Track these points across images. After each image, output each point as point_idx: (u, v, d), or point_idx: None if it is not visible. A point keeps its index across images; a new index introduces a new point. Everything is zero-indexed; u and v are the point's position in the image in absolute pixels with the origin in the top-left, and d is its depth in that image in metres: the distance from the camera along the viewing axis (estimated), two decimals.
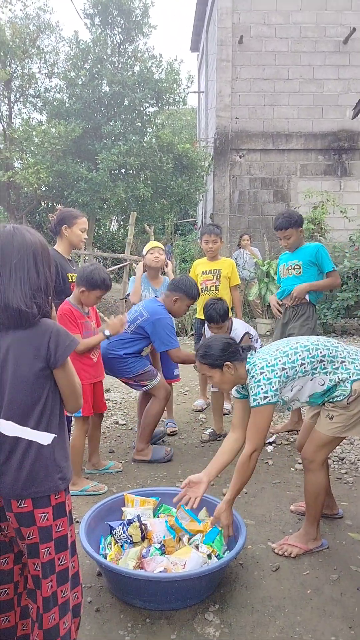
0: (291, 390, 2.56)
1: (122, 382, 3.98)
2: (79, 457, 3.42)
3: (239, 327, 4.15)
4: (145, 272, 4.64)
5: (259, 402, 2.47)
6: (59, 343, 1.65)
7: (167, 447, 4.02)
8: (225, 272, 4.88)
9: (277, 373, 2.49)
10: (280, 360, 2.54)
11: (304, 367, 2.53)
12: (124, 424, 4.74)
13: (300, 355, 2.55)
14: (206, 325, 4.22)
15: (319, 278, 4.23)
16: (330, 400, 2.57)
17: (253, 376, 2.53)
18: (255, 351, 2.68)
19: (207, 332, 4.25)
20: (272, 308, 4.41)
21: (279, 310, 4.36)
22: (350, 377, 2.53)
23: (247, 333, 4.08)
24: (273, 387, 2.47)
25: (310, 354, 2.56)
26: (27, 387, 1.64)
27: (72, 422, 3.58)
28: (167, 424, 4.62)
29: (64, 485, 1.71)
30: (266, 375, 2.49)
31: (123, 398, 5.55)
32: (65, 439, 1.76)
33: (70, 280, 3.57)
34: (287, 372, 2.51)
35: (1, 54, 11.16)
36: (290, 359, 2.54)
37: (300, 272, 4.20)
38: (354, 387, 2.51)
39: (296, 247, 4.27)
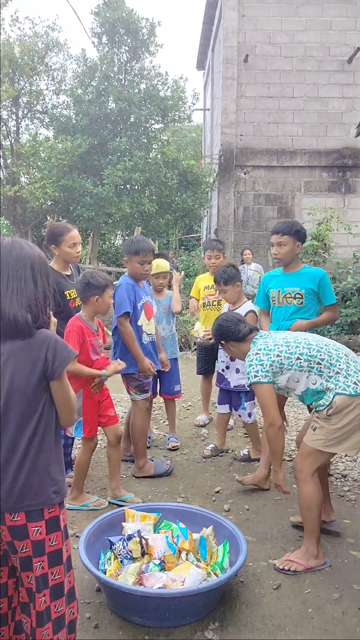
0: (287, 380, 2.67)
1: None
2: (83, 472, 3.39)
3: (244, 306, 4.09)
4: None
5: (250, 380, 2.70)
6: (56, 354, 1.65)
7: (167, 461, 4.01)
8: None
9: (270, 357, 2.66)
10: (279, 348, 2.68)
11: (300, 362, 2.62)
12: None
13: (299, 350, 2.65)
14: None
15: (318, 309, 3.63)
16: (316, 408, 2.63)
17: (249, 355, 2.74)
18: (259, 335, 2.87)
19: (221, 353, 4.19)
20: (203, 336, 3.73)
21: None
22: (335, 389, 2.56)
23: (251, 311, 4.00)
24: (264, 368, 2.64)
25: (310, 352, 2.63)
26: (23, 399, 1.64)
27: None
28: (169, 438, 4.59)
29: (58, 499, 1.70)
30: (259, 357, 2.68)
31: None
32: (60, 453, 1.75)
33: (68, 297, 3.52)
34: (281, 360, 2.65)
35: (1, 69, 11.33)
36: (289, 349, 2.66)
37: (302, 302, 3.51)
38: (335, 400, 2.54)
39: (287, 261, 3.58)
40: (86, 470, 3.44)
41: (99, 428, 3.44)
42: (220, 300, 4.80)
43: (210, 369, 5.01)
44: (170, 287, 4.79)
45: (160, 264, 4.38)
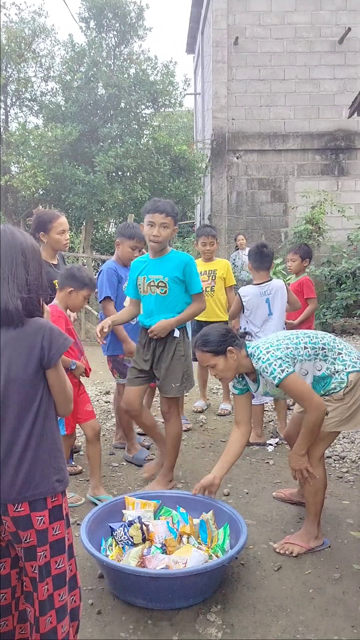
0: (300, 374, 2.57)
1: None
2: None
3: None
4: None
5: (280, 378, 2.48)
6: (52, 342, 1.63)
7: (151, 454, 3.98)
8: (221, 272, 4.86)
9: (282, 350, 2.55)
10: (283, 342, 2.61)
11: (307, 351, 2.59)
12: None
13: (302, 340, 2.62)
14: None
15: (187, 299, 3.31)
16: (327, 393, 2.60)
17: (260, 357, 2.56)
18: (251, 338, 2.75)
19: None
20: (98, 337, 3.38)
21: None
22: (346, 368, 2.59)
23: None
24: (284, 360, 2.51)
25: (312, 340, 2.63)
26: (21, 389, 1.62)
27: None
28: None
29: (61, 487, 1.70)
30: (273, 353, 2.54)
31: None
32: (60, 442, 1.74)
33: (56, 287, 3.52)
34: (292, 352, 2.56)
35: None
36: (292, 341, 2.61)
37: (165, 291, 3.24)
38: (350, 378, 2.56)
39: (164, 246, 3.29)
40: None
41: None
42: (214, 286, 4.81)
43: None
44: None
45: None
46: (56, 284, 3.50)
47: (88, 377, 3.33)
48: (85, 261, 11.24)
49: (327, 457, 3.93)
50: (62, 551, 1.71)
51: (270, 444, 4.22)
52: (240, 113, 11.83)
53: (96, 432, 3.26)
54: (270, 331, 3.89)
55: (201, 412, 5.10)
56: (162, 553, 2.46)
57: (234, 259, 9.82)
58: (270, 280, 4.19)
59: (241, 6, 11.62)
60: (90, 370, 3.33)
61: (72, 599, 1.77)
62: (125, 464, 3.89)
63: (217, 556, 2.46)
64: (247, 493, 3.38)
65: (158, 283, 3.24)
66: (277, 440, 4.28)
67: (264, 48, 11.67)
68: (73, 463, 3.75)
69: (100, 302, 3.86)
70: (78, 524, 2.90)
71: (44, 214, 3.58)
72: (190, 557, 2.36)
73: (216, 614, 2.25)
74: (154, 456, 3.86)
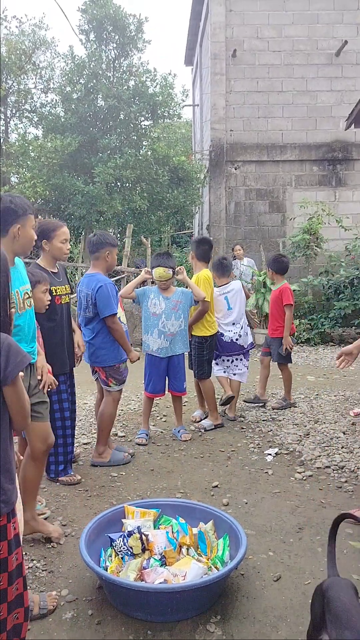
0: None
1: (97, 370, 4.08)
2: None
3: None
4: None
5: None
6: (9, 359, 1.58)
7: (126, 453, 4.12)
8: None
9: None
10: None
11: None
12: (123, 436, 4.74)
13: None
14: None
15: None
16: None
17: None
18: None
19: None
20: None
21: None
22: None
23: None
24: None
25: None
26: None
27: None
28: (179, 431, 4.68)
29: (6, 509, 1.65)
30: None
31: (122, 410, 5.54)
32: (11, 461, 1.69)
33: (54, 293, 3.52)
34: None
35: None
36: None
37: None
38: None
39: None
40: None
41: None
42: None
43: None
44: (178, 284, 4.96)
45: (162, 274, 4.47)
46: (54, 291, 3.51)
47: None
48: (84, 271, 11.27)
49: (326, 466, 3.94)
50: (4, 570, 1.67)
51: (269, 454, 4.22)
52: (239, 124, 11.92)
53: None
54: (230, 320, 5.10)
55: (199, 421, 5.10)
56: (162, 565, 2.46)
57: (232, 269, 9.85)
58: (229, 283, 5.18)
59: (239, 19, 11.75)
60: None
61: (15, 616, 1.76)
62: (124, 473, 3.89)
63: (216, 568, 2.45)
64: (247, 503, 3.38)
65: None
66: (276, 450, 4.29)
67: (262, 60, 11.79)
68: (72, 473, 3.75)
69: (107, 317, 3.88)
70: (72, 536, 2.91)
71: (47, 223, 3.63)
72: (189, 570, 2.36)
73: (216, 624, 2.25)
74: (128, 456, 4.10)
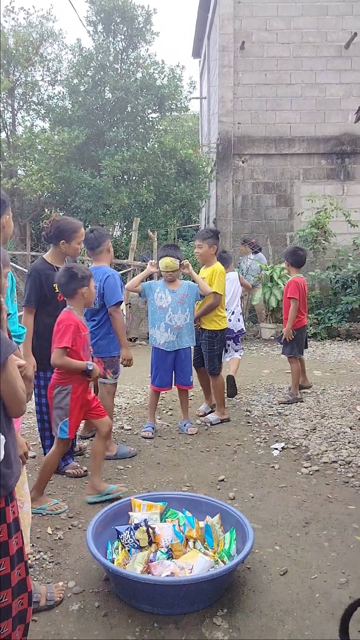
0: None
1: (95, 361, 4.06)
2: (49, 475, 3.24)
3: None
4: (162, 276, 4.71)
5: None
6: None
7: (132, 448, 4.17)
8: (207, 281, 4.73)
9: None
10: None
11: None
12: (130, 429, 4.74)
13: None
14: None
15: None
16: None
17: None
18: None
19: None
20: None
21: None
22: None
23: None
24: None
25: None
26: None
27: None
28: (185, 424, 4.69)
29: (4, 492, 1.66)
30: None
31: (128, 403, 5.55)
32: (8, 445, 1.71)
33: (56, 290, 3.51)
34: None
35: (3, 61, 11.25)
36: None
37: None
38: None
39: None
40: (51, 473, 3.28)
41: None
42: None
43: (201, 360, 4.98)
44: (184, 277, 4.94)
45: (168, 264, 4.45)
46: (56, 288, 3.49)
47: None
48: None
49: (333, 461, 3.93)
50: (5, 554, 1.68)
51: (276, 449, 4.22)
52: (246, 117, 11.85)
53: (110, 428, 3.41)
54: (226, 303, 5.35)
55: (203, 415, 5.09)
56: (168, 558, 2.46)
57: (240, 263, 9.85)
58: (227, 273, 5.33)
59: (247, 11, 11.65)
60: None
61: (20, 602, 1.76)
62: (130, 466, 3.89)
63: (223, 562, 2.46)
64: (253, 497, 3.38)
65: None
66: (282, 444, 4.28)
67: (270, 52, 11.70)
68: (78, 465, 3.76)
69: (112, 306, 3.93)
70: (79, 528, 2.91)
71: (68, 224, 3.60)
72: (196, 563, 2.36)
73: (222, 617, 2.25)
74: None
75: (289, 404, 5.42)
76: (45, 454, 3.69)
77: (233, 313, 5.77)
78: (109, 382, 4.09)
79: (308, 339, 9.38)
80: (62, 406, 3.16)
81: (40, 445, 3.85)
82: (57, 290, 3.48)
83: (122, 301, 4.00)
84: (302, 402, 5.48)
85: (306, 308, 5.79)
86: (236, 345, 5.89)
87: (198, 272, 4.94)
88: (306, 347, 5.93)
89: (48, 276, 3.52)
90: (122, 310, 4.18)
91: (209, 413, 5.09)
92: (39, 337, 3.48)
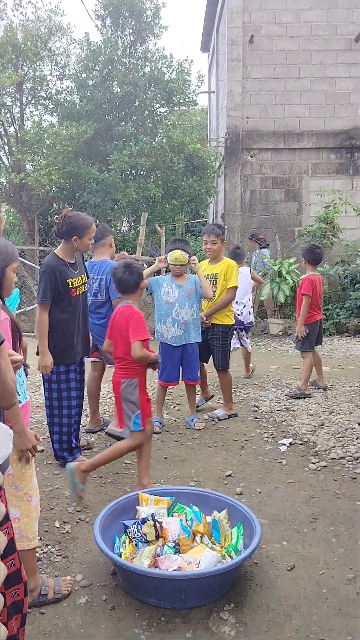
0: None
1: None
2: (106, 461, 3.26)
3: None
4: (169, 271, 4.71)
5: None
6: None
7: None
8: (222, 276, 4.74)
9: None
10: None
11: None
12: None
13: None
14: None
15: None
16: None
17: None
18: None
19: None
20: None
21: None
22: None
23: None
24: None
25: None
26: None
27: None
28: (192, 419, 4.69)
29: None
30: None
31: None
32: None
33: (70, 286, 3.53)
34: None
35: (4, 55, 11.22)
36: None
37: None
38: None
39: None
40: (110, 461, 3.30)
41: None
42: (215, 291, 4.72)
43: (206, 353, 4.95)
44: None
45: (178, 257, 4.43)
46: (70, 283, 3.53)
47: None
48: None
49: (341, 457, 3.92)
50: None
51: (283, 444, 4.21)
52: (255, 111, 11.78)
53: (152, 427, 3.47)
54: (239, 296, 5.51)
55: (200, 407, 5.10)
56: (175, 552, 2.46)
57: (248, 258, 9.82)
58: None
59: (256, 4, 11.57)
60: None
61: (16, 592, 1.76)
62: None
63: (230, 556, 2.46)
64: (260, 492, 3.38)
65: None
66: (290, 440, 4.27)
67: (279, 46, 11.61)
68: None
69: (117, 298, 3.92)
70: (87, 522, 2.93)
71: (80, 220, 3.60)
72: (203, 558, 2.36)
73: (229, 612, 2.26)
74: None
75: (296, 398, 5.41)
76: (53, 447, 3.71)
77: (245, 306, 6.06)
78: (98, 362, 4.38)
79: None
80: (133, 400, 3.19)
81: (49, 440, 3.86)
82: (71, 286, 3.50)
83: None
84: (310, 397, 5.47)
85: (320, 305, 5.74)
86: (245, 335, 6.20)
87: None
88: (320, 343, 5.86)
89: (61, 272, 3.53)
90: None
91: (201, 405, 5.12)
92: (52, 332, 3.49)
